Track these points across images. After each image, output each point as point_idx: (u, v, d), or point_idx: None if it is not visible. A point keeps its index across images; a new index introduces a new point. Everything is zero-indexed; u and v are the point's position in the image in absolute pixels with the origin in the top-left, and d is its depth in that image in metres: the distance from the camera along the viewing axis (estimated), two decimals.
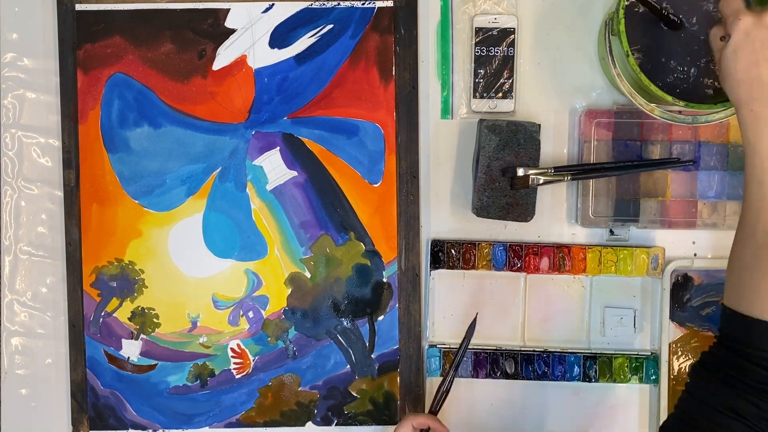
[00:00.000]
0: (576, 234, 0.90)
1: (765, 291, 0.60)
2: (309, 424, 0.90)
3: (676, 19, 0.78)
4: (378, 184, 0.88)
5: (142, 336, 0.89)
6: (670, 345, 0.89)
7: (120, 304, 0.88)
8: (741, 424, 0.58)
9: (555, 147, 0.89)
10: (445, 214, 0.90)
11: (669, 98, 0.77)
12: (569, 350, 0.90)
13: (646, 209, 0.88)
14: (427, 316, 0.89)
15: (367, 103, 0.88)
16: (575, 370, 0.88)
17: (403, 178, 0.88)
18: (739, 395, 0.59)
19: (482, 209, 0.84)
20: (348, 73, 0.87)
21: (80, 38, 0.87)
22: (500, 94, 0.88)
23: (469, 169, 0.89)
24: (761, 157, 0.63)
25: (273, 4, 0.87)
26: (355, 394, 0.89)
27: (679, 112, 0.81)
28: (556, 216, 0.90)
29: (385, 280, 0.89)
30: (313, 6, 0.87)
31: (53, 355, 0.90)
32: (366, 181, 0.88)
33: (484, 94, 0.88)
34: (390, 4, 0.87)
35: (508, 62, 0.88)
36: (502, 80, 0.88)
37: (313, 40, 0.87)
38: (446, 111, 0.89)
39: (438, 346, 0.89)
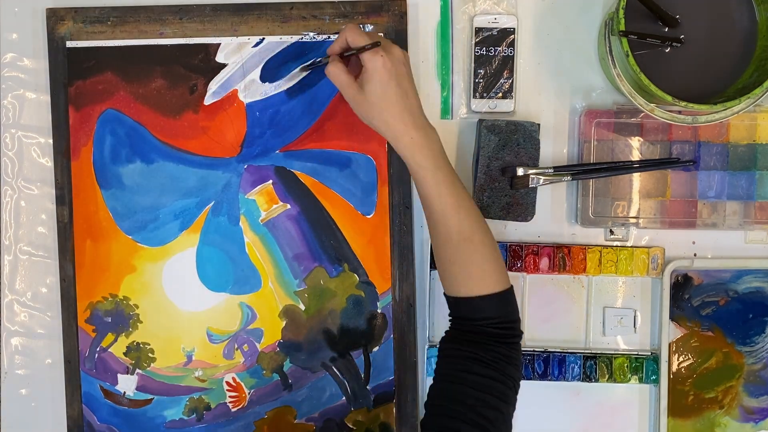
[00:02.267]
0: (576, 234, 0.90)
1: (466, 277, 0.74)
2: None
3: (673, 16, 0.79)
4: (371, 216, 0.88)
5: (137, 371, 0.89)
6: (670, 345, 0.89)
7: (115, 339, 0.89)
8: (481, 365, 0.72)
9: (555, 147, 0.89)
10: None
11: (669, 98, 0.77)
12: (569, 350, 0.90)
13: (645, 209, 0.88)
14: (427, 315, 0.89)
15: (358, 135, 0.88)
16: (575, 370, 0.89)
17: (396, 209, 0.88)
18: (476, 348, 0.73)
19: (482, 209, 0.84)
20: (339, 105, 0.87)
21: (71, 75, 0.87)
22: (500, 94, 0.88)
23: (469, 169, 0.89)
24: (431, 175, 0.74)
25: (263, 39, 0.87)
26: (351, 426, 0.89)
27: (679, 112, 0.81)
28: (556, 216, 0.90)
29: (379, 310, 0.89)
30: (304, 40, 0.87)
31: (53, 355, 0.90)
32: (359, 212, 0.88)
33: (484, 94, 0.88)
34: (380, 34, 0.87)
35: (508, 62, 0.88)
36: (502, 80, 0.88)
37: (304, 73, 0.87)
38: (446, 111, 0.89)
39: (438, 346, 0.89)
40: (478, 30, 0.87)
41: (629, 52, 0.76)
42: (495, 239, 0.76)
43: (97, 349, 0.89)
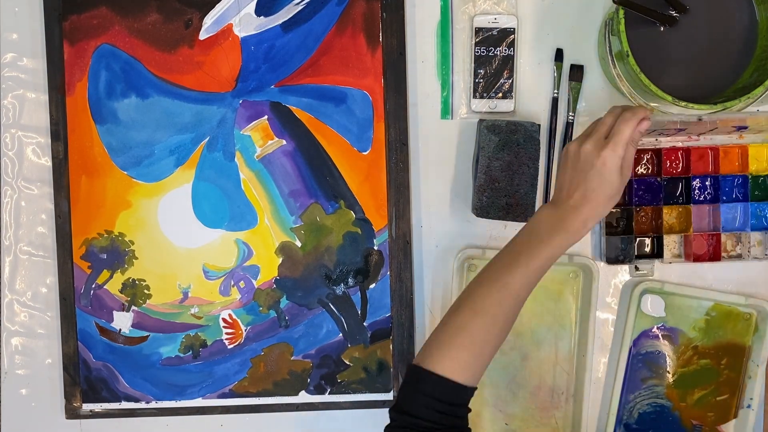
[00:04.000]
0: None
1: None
2: (302, 393, 0.89)
3: (672, 12, 0.79)
4: (367, 152, 0.88)
5: (133, 308, 0.88)
6: None
7: (111, 276, 0.88)
8: None
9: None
10: (445, 214, 0.90)
11: (669, 98, 0.76)
12: None
13: (669, 244, 0.89)
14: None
15: (354, 70, 0.87)
16: None
17: (393, 145, 0.88)
18: None
19: (482, 209, 0.84)
20: (335, 40, 0.87)
21: (66, 9, 0.86)
22: (500, 95, 0.87)
23: (469, 169, 0.89)
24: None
25: None
26: (348, 363, 0.89)
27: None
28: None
29: (375, 248, 0.89)
30: None
31: (53, 355, 0.89)
32: (355, 149, 0.88)
33: (484, 95, 0.87)
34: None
35: (508, 62, 0.87)
36: (502, 80, 0.87)
37: (299, 7, 0.87)
38: (446, 111, 0.89)
39: None
40: (478, 30, 0.87)
41: (629, 52, 0.76)
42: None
43: (93, 286, 0.88)
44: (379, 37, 0.87)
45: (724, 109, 0.78)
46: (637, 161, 0.88)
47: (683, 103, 0.76)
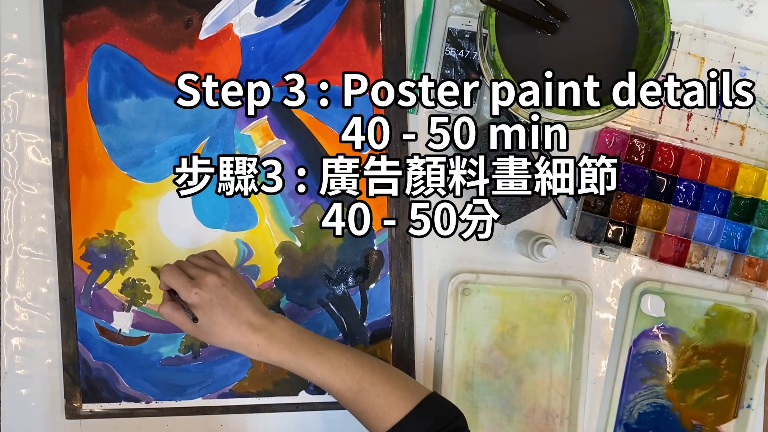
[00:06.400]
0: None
1: (379, 416, 0.74)
2: (302, 393, 0.89)
3: (551, 20, 0.78)
4: (367, 152, 0.88)
5: (133, 308, 0.88)
6: None
7: (110, 276, 0.88)
8: None
9: None
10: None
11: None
12: None
13: (639, 238, 0.89)
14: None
15: (354, 71, 0.87)
16: None
17: (392, 145, 0.88)
18: None
19: (505, 217, 0.84)
20: (335, 40, 0.87)
21: (66, 9, 0.86)
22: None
23: None
24: (294, 363, 0.75)
25: None
26: None
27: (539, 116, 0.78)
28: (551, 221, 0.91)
29: (375, 248, 0.89)
30: None
31: (53, 355, 0.89)
32: (355, 149, 0.87)
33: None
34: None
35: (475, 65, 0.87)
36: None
37: (299, 7, 0.87)
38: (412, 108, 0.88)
39: None
40: (451, 31, 0.87)
41: (495, 46, 0.74)
42: (386, 365, 0.79)
43: (93, 286, 0.88)
44: (379, 37, 0.87)
45: (584, 116, 0.76)
46: (631, 148, 0.88)
47: (547, 108, 0.74)
